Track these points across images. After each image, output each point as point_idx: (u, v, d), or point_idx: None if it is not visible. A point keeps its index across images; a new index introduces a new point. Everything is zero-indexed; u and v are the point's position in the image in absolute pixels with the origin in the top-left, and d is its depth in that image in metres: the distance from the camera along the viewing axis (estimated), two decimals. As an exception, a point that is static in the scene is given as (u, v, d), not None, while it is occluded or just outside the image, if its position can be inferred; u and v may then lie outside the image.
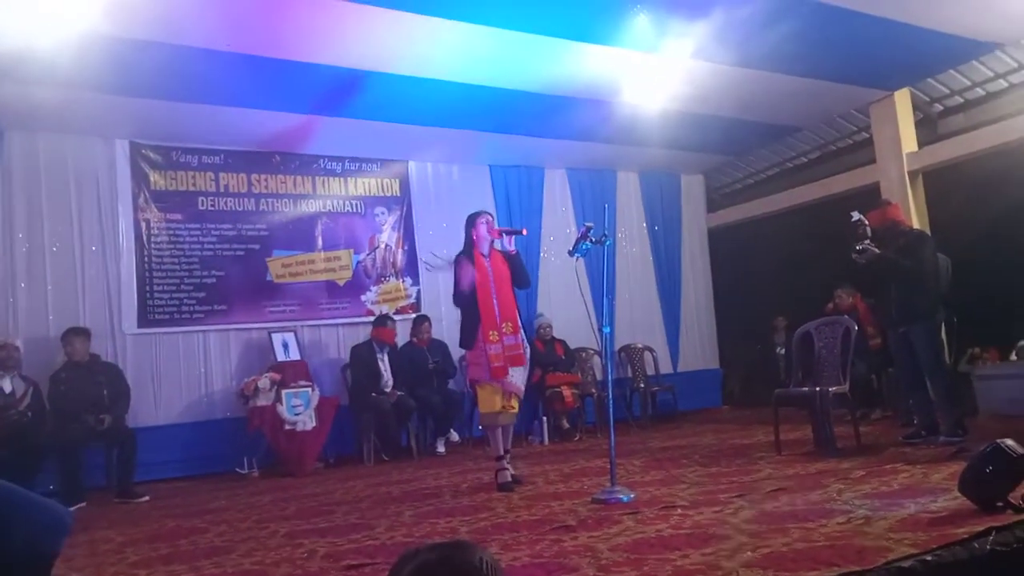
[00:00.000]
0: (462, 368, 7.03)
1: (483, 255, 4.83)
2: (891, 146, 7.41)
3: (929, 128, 7.56)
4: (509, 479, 4.67)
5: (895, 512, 3.11)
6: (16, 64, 4.89)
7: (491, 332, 4.71)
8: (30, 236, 6.33)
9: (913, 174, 7.33)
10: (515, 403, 4.82)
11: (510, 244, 4.88)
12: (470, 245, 4.86)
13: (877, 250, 5.15)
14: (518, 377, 4.77)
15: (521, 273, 4.92)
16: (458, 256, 4.89)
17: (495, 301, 4.74)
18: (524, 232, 5.23)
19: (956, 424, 5.01)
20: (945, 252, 5.59)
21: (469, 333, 4.78)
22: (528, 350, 4.89)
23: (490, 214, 4.97)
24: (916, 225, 6.69)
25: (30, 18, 4.48)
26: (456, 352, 6.97)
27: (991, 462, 2.97)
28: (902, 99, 7.34)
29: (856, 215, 5.35)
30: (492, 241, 4.86)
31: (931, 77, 7.20)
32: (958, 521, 2.84)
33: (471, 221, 4.90)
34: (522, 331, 4.84)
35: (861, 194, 7.50)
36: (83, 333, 5.99)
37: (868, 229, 5.26)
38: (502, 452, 4.77)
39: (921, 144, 7.38)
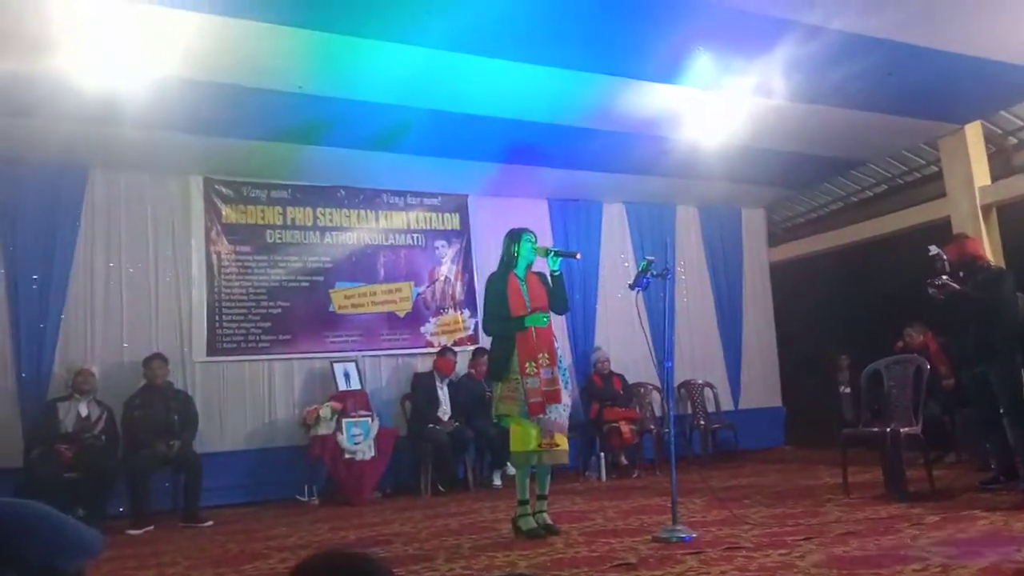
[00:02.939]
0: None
1: (519, 278, 4.49)
2: (962, 180, 7.20)
3: (1003, 161, 7.32)
4: (534, 525, 4.26)
5: (975, 561, 2.97)
6: (101, 109, 5.17)
7: (528, 363, 4.25)
8: (108, 268, 6.61)
9: (986, 208, 7.10)
10: (560, 440, 4.31)
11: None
12: (508, 264, 4.51)
13: (956, 285, 4.95)
14: (559, 414, 4.30)
15: (561, 297, 4.51)
16: (491, 278, 4.58)
17: (532, 329, 4.34)
18: (578, 256, 5.08)
19: (1037, 470, 4.76)
20: (1021, 289, 5.37)
21: (500, 363, 4.34)
22: (568, 384, 4.48)
23: (534, 233, 4.62)
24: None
25: (112, 67, 4.74)
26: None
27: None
28: (974, 132, 7.15)
29: (934, 249, 5.13)
30: (531, 263, 4.52)
31: (1004, 110, 7.01)
32: (1044, 572, 2.70)
33: (515, 239, 4.52)
34: (561, 364, 4.40)
35: (930, 229, 7.27)
36: (164, 359, 6.25)
37: (946, 264, 5.08)
38: (526, 496, 4.33)
39: (995, 178, 7.15)
